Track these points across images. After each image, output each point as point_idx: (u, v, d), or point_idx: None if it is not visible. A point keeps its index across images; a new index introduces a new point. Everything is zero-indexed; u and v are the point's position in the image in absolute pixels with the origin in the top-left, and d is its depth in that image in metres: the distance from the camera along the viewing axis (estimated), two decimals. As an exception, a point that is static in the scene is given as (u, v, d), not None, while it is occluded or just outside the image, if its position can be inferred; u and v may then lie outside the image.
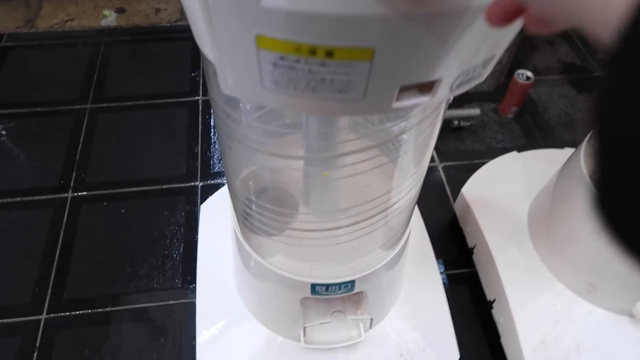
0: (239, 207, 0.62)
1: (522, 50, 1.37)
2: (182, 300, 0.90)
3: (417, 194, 0.60)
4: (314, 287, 0.59)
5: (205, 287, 0.79)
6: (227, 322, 0.75)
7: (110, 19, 1.47)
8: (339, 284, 0.59)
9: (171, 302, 0.90)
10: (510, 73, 1.23)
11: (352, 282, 0.59)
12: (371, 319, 0.60)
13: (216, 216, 0.88)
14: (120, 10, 1.49)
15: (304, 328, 0.60)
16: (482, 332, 0.88)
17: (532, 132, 1.21)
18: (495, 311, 0.84)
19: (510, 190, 0.92)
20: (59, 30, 1.43)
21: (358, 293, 0.63)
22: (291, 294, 0.62)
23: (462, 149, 1.17)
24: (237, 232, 0.63)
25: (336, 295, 0.60)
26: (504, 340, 0.82)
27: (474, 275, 0.95)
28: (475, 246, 0.91)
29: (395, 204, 0.56)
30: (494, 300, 0.85)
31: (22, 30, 1.43)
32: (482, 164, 1.00)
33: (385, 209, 0.54)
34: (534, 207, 0.86)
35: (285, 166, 0.55)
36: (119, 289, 0.91)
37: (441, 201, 1.08)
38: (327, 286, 0.59)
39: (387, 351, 0.72)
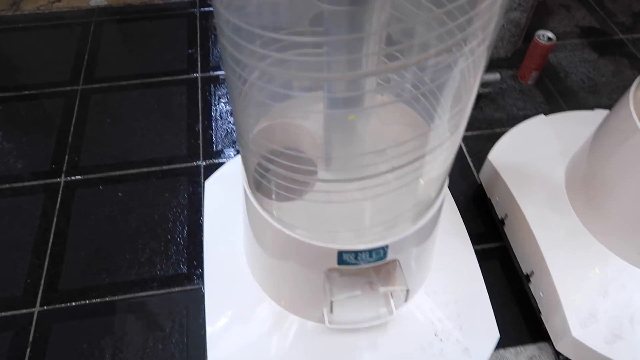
0: (251, 169, 0.54)
1: (537, 15, 1.29)
2: (189, 287, 0.82)
3: (457, 146, 0.52)
4: (341, 255, 0.51)
5: (213, 268, 0.71)
6: (240, 306, 0.67)
7: (100, -1, 1.38)
8: (370, 251, 0.51)
9: (176, 289, 0.82)
10: (527, 38, 1.15)
11: (385, 249, 0.51)
12: (407, 291, 0.52)
13: (222, 192, 0.80)
14: (111, -10, 1.41)
15: (331, 303, 0.53)
16: (518, 309, 0.81)
17: (555, 98, 1.13)
18: (534, 285, 0.77)
19: (542, 154, 0.84)
20: (46, 11, 1.35)
21: (390, 263, 0.55)
22: (314, 266, 0.54)
23: (481, 117, 1.09)
24: (250, 197, 0.55)
25: (366, 265, 0.53)
26: (545, 316, 0.74)
27: (504, 250, 0.87)
28: (506, 216, 0.84)
29: (431, 151, 0.48)
30: (532, 274, 0.77)
31: (7, 13, 1.34)
32: (504, 132, 0.92)
33: (421, 157, 0.46)
34: (571, 170, 0.78)
35: (306, 109, 0.47)
36: (119, 278, 0.83)
37: (463, 173, 1.00)
38: (357, 253, 0.51)
39: (420, 330, 0.64)
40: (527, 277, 0.78)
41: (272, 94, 0.50)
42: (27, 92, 1.13)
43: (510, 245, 0.84)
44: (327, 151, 0.53)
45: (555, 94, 1.14)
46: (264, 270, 0.64)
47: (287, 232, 0.52)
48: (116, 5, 1.37)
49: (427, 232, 0.58)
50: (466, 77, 0.47)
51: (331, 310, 0.54)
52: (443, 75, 0.48)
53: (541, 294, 0.74)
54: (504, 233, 0.85)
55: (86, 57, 1.22)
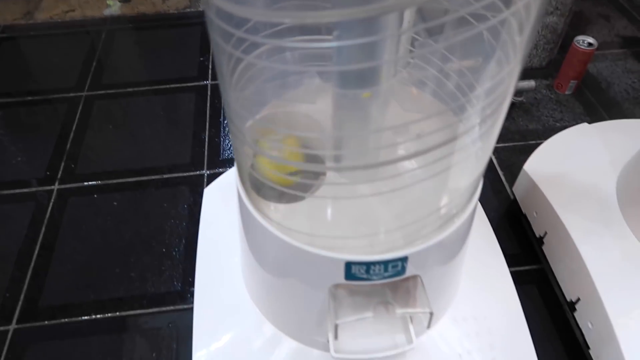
0: (246, 165, 0.46)
1: (574, 24, 1.19)
2: (181, 306, 0.73)
3: (490, 149, 0.43)
4: (349, 267, 0.41)
5: (205, 284, 0.62)
6: (232, 328, 0.57)
7: (114, 8, 1.35)
8: (386, 263, 0.41)
9: (168, 307, 0.73)
10: (564, 48, 1.06)
11: (404, 262, 0.42)
12: (431, 314, 0.42)
13: (222, 201, 0.72)
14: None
15: (336, 326, 0.43)
16: (560, 343, 0.69)
17: (596, 109, 1.02)
18: (580, 314, 0.65)
19: (588, 164, 0.73)
20: (59, 20, 1.32)
21: (410, 280, 0.45)
22: (318, 281, 0.44)
23: (514, 129, 0.99)
24: (244, 197, 0.46)
25: (380, 281, 0.43)
26: (595, 352, 0.62)
27: (542, 273, 0.76)
28: (545, 234, 0.73)
29: (458, 147, 0.39)
30: (578, 301, 0.65)
31: (20, 22, 1.32)
32: (538, 145, 0.82)
33: (447, 150, 0.37)
34: (625, 181, 0.67)
35: (311, 91, 0.38)
36: (106, 294, 0.75)
37: (494, 188, 0.90)
38: (369, 266, 0.41)
39: (446, 364, 0.53)
40: (572, 305, 0.66)
41: (272, 73, 0.42)
42: (30, 97, 1.08)
43: (550, 268, 0.72)
44: (336, 141, 0.44)
45: (597, 105, 1.03)
46: (260, 287, 0.55)
47: (285, 238, 0.43)
48: (130, 14, 1.33)
49: (454, 245, 0.48)
50: (504, 58, 0.38)
51: (336, 336, 0.44)
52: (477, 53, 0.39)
53: (590, 325, 0.63)
54: (543, 254, 0.74)
55: (94, 63, 1.17)
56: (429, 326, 0.44)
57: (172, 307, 0.73)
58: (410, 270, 0.43)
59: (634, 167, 0.65)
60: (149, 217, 0.85)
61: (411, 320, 0.51)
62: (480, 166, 0.44)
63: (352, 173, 0.43)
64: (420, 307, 0.42)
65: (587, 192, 0.69)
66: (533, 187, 0.74)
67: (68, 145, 0.97)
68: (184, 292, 0.74)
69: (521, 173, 0.78)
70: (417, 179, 0.39)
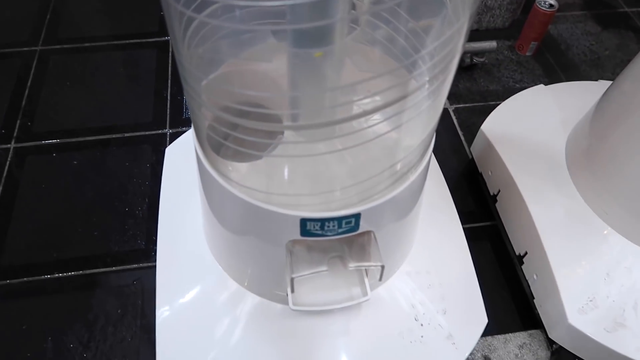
0: (203, 124, 0.46)
1: (538, -16, 1.20)
2: (145, 264, 0.74)
3: (444, 98, 0.44)
4: (304, 224, 0.43)
5: (167, 242, 0.62)
6: (194, 284, 0.59)
7: (68, -44, 1.28)
8: (339, 219, 0.43)
9: (132, 266, 0.74)
10: (527, 8, 1.07)
11: (357, 217, 0.43)
12: (382, 267, 0.44)
13: (184, 160, 0.72)
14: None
15: (291, 280, 0.45)
16: (508, 294, 0.74)
17: (554, 71, 1.05)
18: (527, 267, 0.69)
19: (541, 124, 0.76)
20: (8, -32, 1.24)
21: (364, 236, 0.47)
22: (275, 238, 0.46)
23: (475, 89, 1.01)
24: (201, 156, 0.47)
25: (334, 237, 0.44)
26: (539, 301, 0.67)
27: (495, 229, 0.80)
28: (498, 192, 0.76)
29: (411, 104, 0.40)
30: (525, 254, 0.69)
31: (-34, -31, 1.23)
32: (498, 105, 0.84)
33: (398, 108, 0.38)
34: (574, 141, 0.70)
35: (266, 50, 0.39)
36: (69, 253, 0.75)
37: (453, 148, 0.92)
38: (323, 222, 0.43)
39: (399, 314, 0.56)
40: (520, 258, 0.71)
41: (225, 32, 0.42)
42: (-20, 52, 1.03)
43: (502, 224, 0.76)
44: (292, 100, 0.44)
45: (555, 67, 1.06)
46: (221, 244, 0.56)
47: (243, 196, 0.44)
48: (85, -37, 1.26)
49: (407, 202, 0.50)
50: (453, 17, 0.39)
51: (292, 290, 0.46)
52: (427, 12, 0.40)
53: (535, 277, 0.67)
54: (496, 211, 0.78)
55: (48, 16, 1.12)
56: (380, 279, 0.46)
57: (136, 265, 0.74)
58: (363, 227, 0.45)
59: (582, 128, 0.68)
60: (111, 176, 0.84)
61: (366, 274, 0.53)
62: (432, 123, 0.45)
63: (308, 132, 0.44)
64: (373, 261, 0.45)
65: (538, 152, 0.72)
66: (489, 147, 0.77)
67: (23, 102, 0.94)
68: (148, 250, 0.75)
69: (478, 133, 0.80)
70: (371, 137, 0.40)
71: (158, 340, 0.56)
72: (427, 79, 0.37)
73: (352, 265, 0.44)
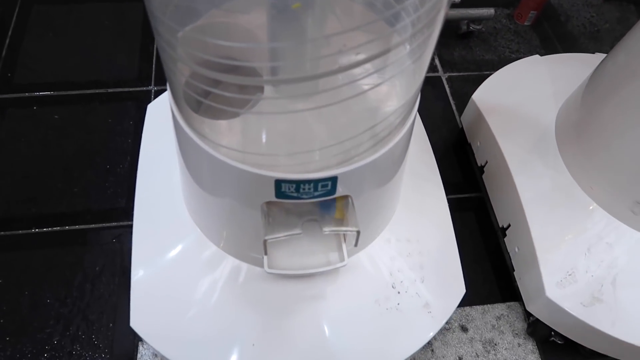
0: (178, 80, 0.44)
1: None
2: (125, 223, 0.73)
3: (428, 58, 0.42)
4: (279, 185, 0.42)
5: (145, 201, 0.61)
6: (170, 244, 0.58)
7: None
8: (315, 182, 0.42)
9: (112, 224, 0.73)
10: (529, -26, 1.03)
11: (334, 181, 0.42)
12: (357, 233, 0.43)
13: (166, 118, 0.70)
14: None
15: (264, 243, 0.44)
16: (489, 266, 0.74)
17: (552, 42, 1.02)
18: (509, 239, 0.69)
19: (533, 96, 0.74)
20: None
21: (341, 199, 0.46)
22: (250, 199, 0.45)
23: (470, 58, 0.99)
24: (176, 113, 0.45)
25: (310, 200, 0.43)
26: (519, 274, 0.67)
27: (481, 201, 0.79)
28: (486, 163, 0.75)
29: (392, 61, 0.38)
30: (508, 227, 0.69)
31: None
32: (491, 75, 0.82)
33: (379, 64, 0.36)
34: (563, 114, 0.69)
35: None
36: (48, 208, 0.74)
37: (445, 117, 0.91)
38: (298, 185, 0.42)
39: (376, 281, 0.56)
40: (503, 230, 0.70)
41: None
42: (-40, -2, 0.99)
43: (487, 195, 0.75)
44: (272, 53, 0.42)
45: (553, 38, 1.03)
46: (197, 204, 0.55)
47: (218, 155, 0.43)
48: None
49: (388, 167, 0.49)
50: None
51: (265, 252, 0.45)
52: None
53: (516, 249, 0.67)
54: (482, 182, 0.77)
55: (32, -37, 1.07)
56: (356, 245, 0.45)
57: (116, 223, 0.73)
58: (340, 191, 0.44)
59: (573, 101, 0.67)
60: (93, 133, 0.82)
61: (344, 240, 0.52)
62: (416, 83, 0.44)
63: (287, 87, 0.42)
64: (349, 226, 0.44)
65: (528, 124, 0.71)
66: (479, 117, 0.75)
67: (4, 53, 0.91)
68: (129, 208, 0.74)
69: (469, 102, 0.79)
70: (352, 94, 0.38)
71: (132, 296, 0.55)
72: (410, 32, 0.36)
73: (327, 229, 0.44)
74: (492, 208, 0.74)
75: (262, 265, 0.52)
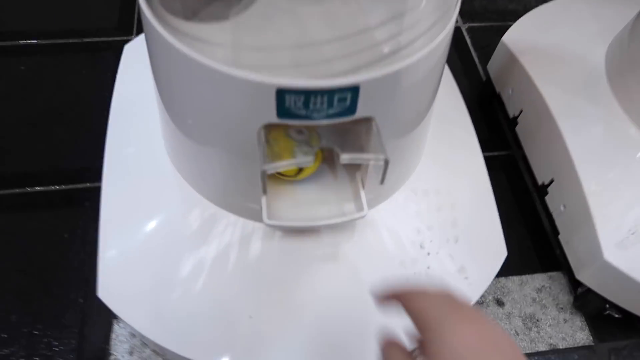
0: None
1: None
2: (99, 184, 0.62)
3: None
4: (282, 98, 0.31)
5: (117, 148, 0.51)
6: (151, 197, 0.48)
7: None
8: (330, 93, 0.31)
9: (84, 185, 0.63)
10: None
11: (354, 92, 0.32)
12: (385, 162, 0.33)
13: (146, 57, 0.59)
14: None
15: (264, 175, 0.33)
16: (525, 231, 0.63)
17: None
18: (552, 197, 0.59)
19: (575, 34, 0.64)
20: None
21: (362, 123, 0.35)
22: (243, 120, 0.34)
23: (492, 7, 0.88)
24: (147, 12, 0.34)
25: (322, 122, 0.33)
26: (565, 237, 0.56)
27: (511, 159, 0.69)
28: (521, 113, 0.64)
29: None
30: (550, 183, 0.58)
31: None
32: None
33: None
34: (617, 50, 0.58)
35: None
36: (11, 168, 0.63)
37: (466, 70, 0.80)
38: (308, 96, 0.31)
39: (401, 239, 0.46)
40: (543, 188, 0.60)
41: None
42: None
43: (521, 150, 0.65)
44: None
45: (583, -13, 0.92)
46: (178, 141, 0.44)
47: (200, 58, 0.32)
48: None
49: (420, 84, 0.38)
50: None
51: (264, 190, 0.35)
52: None
53: (562, 208, 0.56)
54: (515, 137, 0.66)
55: None
56: (382, 181, 0.35)
57: (89, 185, 0.63)
58: (362, 110, 0.33)
59: (630, 33, 0.56)
60: (65, 86, 0.72)
61: (362, 186, 0.42)
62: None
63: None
64: (373, 152, 0.33)
65: (571, 64, 0.60)
66: (511, 61, 0.65)
67: (-35, 0, 0.80)
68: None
69: (499, 46, 0.68)
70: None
71: (101, 258, 0.45)
72: None
73: (345, 156, 0.33)
74: (528, 164, 0.63)
75: (261, 220, 0.42)
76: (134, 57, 0.60)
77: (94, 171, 0.63)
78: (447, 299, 0.26)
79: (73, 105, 0.70)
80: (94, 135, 0.67)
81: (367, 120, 0.35)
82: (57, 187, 0.62)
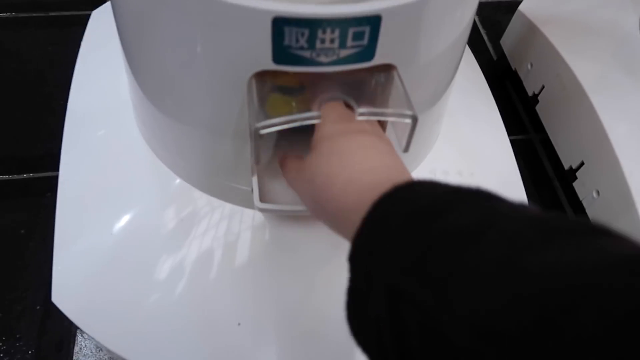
0: None
1: None
2: (64, 171, 0.54)
3: None
4: (279, 31, 0.24)
5: (77, 123, 0.43)
6: (118, 187, 0.40)
7: None
8: (344, 24, 0.23)
9: (46, 174, 0.54)
10: None
11: (375, 25, 0.24)
12: (413, 119, 0.25)
13: (114, 29, 0.51)
14: None
15: (257, 134, 0.25)
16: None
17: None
18: (582, 182, 0.52)
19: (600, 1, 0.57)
20: None
21: (381, 71, 0.28)
22: (231, 67, 0.26)
23: (500, -16, 0.82)
24: None
25: (331, 69, 0.25)
26: (599, 228, 0.49)
27: (528, 144, 0.62)
28: (542, 89, 0.57)
29: None
30: (580, 166, 0.52)
31: None
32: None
33: None
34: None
35: None
36: (-40, 154, 0.55)
37: (475, 48, 0.73)
38: (313, 28, 0.23)
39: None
40: (572, 173, 0.53)
41: None
42: None
43: (542, 132, 0.58)
44: None
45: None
46: (145, 106, 0.36)
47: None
48: None
49: (448, 33, 0.31)
50: None
51: (257, 159, 0.27)
52: None
53: (595, 194, 0.49)
54: (533, 117, 0.60)
55: None
56: (407, 147, 0.27)
57: (51, 173, 0.54)
58: (381, 53, 0.26)
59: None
60: (27, 63, 0.63)
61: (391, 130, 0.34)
62: None
63: None
64: (399, 108, 0.25)
65: (601, 32, 0.54)
66: (530, 32, 0.58)
67: None
68: (68, 152, 0.55)
69: (514, 17, 0.62)
70: None
71: (56, 257, 0.37)
72: None
73: (363, 110, 0.25)
74: (550, 147, 0.56)
75: (251, 205, 0.34)
76: (102, 23, 0.52)
77: (57, 158, 0.55)
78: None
79: (36, 84, 0.61)
80: (57, 119, 0.58)
81: (388, 70, 0.27)
82: (15, 176, 0.54)
